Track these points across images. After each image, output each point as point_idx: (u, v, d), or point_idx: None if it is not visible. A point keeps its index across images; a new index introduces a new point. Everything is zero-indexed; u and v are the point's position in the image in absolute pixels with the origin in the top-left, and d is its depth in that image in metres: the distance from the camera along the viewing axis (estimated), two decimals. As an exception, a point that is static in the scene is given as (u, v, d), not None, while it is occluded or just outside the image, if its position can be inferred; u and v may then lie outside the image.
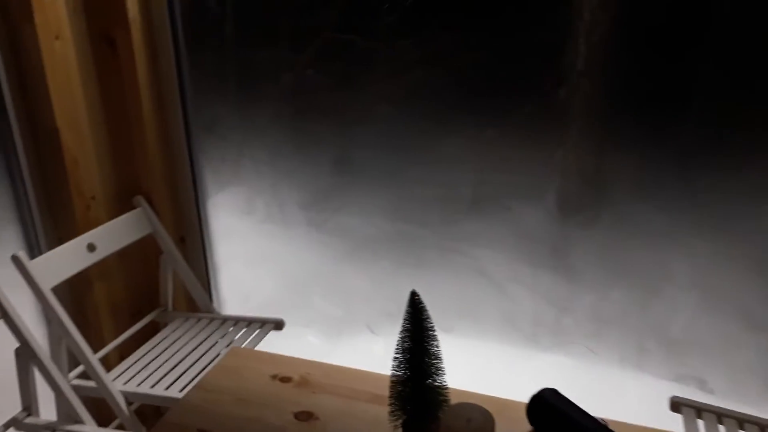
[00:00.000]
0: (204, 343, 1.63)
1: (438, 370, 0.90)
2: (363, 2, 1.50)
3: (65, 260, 1.49)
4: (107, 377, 1.44)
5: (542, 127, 1.49)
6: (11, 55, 1.45)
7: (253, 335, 1.66)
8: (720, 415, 1.33)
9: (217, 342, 1.64)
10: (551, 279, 1.61)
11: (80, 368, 1.50)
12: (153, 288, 1.78)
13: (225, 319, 1.74)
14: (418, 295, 0.88)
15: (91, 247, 1.56)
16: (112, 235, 1.62)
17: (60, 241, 1.56)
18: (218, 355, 1.58)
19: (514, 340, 1.66)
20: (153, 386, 1.46)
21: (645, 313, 1.55)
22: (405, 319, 0.88)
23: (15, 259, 1.38)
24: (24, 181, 1.54)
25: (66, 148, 1.53)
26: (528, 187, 1.55)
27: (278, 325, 1.71)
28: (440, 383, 0.90)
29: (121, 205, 1.69)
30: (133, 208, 1.70)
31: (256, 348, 1.63)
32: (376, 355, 1.79)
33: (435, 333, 0.89)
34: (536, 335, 1.65)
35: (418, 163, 1.61)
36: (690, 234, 1.44)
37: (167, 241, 1.73)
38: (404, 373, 0.89)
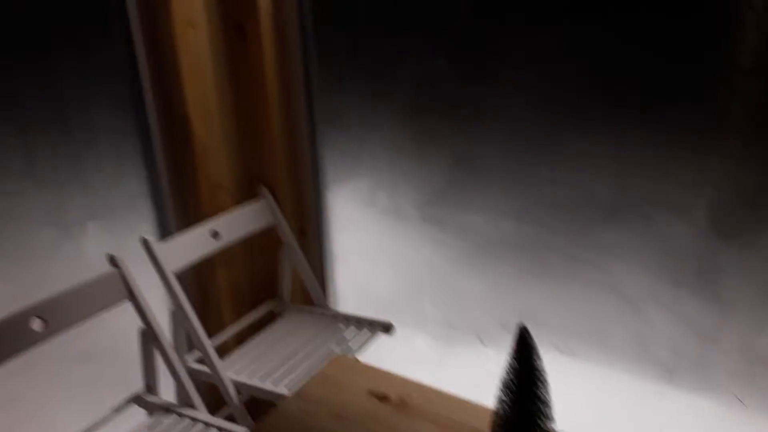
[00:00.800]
0: (315, 340, 1.62)
1: (546, 417, 0.79)
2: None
3: (190, 245, 1.54)
4: (221, 365, 1.47)
5: (695, 131, 1.30)
6: (150, 43, 1.50)
7: (362, 336, 1.63)
8: None
9: (327, 339, 1.62)
10: (697, 304, 1.41)
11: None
12: (272, 278, 1.80)
13: (337, 316, 1.73)
14: (527, 331, 0.77)
15: (215, 234, 1.59)
16: (235, 223, 1.65)
17: (188, 225, 1.61)
18: (328, 352, 1.56)
19: (647, 372, 1.49)
20: (262, 379, 1.47)
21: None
22: (512, 357, 0.78)
23: (144, 242, 1.44)
24: (157, 166, 1.61)
25: (196, 134, 1.57)
26: (675, 196, 1.37)
27: (387, 328, 1.66)
28: (549, 432, 0.80)
29: (245, 193, 1.72)
30: (256, 196, 1.72)
31: (364, 349, 1.59)
32: (484, 370, 1.69)
33: (546, 375, 0.79)
34: (674, 369, 1.46)
35: (549, 162, 1.48)
36: None
37: (288, 233, 1.74)
38: (508, 417, 0.80)
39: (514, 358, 0.77)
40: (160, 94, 1.55)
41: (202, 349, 1.47)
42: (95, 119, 1.46)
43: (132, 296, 1.38)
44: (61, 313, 1.27)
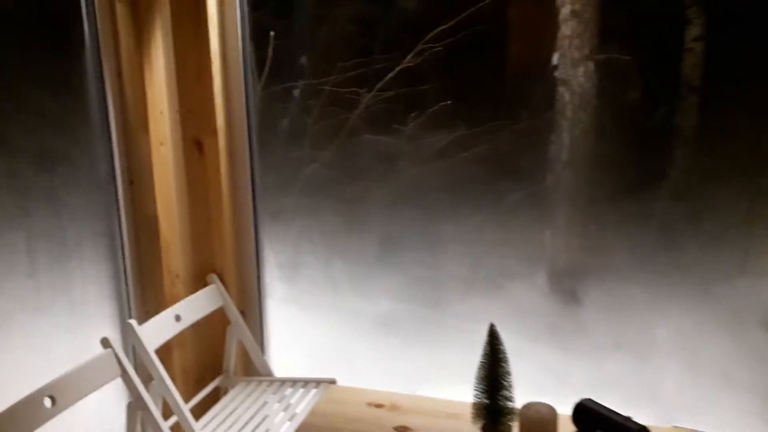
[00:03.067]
0: (265, 408, 1.83)
1: (508, 384, 1.21)
2: (396, 111, 1.88)
3: (160, 328, 1.76)
4: (197, 426, 1.68)
5: (531, 212, 1.76)
6: (126, 159, 1.80)
7: (311, 395, 1.87)
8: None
9: (275, 406, 1.84)
10: (549, 351, 1.80)
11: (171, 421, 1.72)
12: (215, 356, 2.03)
13: (283, 381, 1.99)
14: (494, 326, 1.20)
15: (178, 318, 1.83)
16: (193, 308, 1.89)
17: (147, 314, 1.83)
18: (281, 420, 1.77)
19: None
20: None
21: (637, 378, 1.76)
22: (486, 344, 1.20)
23: (128, 326, 1.64)
24: (125, 261, 1.84)
25: (162, 233, 1.84)
26: (520, 267, 1.80)
27: (332, 383, 1.94)
28: (509, 395, 1.21)
29: (197, 281, 1.99)
30: (206, 284, 1.99)
31: (315, 406, 1.84)
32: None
33: (506, 356, 1.21)
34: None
35: (415, 248, 1.91)
36: (673, 303, 1.68)
37: (234, 313, 2.01)
38: (483, 387, 1.20)
39: (487, 345, 1.20)
40: (132, 200, 1.82)
41: (182, 416, 1.66)
42: (83, 225, 1.73)
43: (124, 372, 1.56)
44: (67, 392, 1.43)
